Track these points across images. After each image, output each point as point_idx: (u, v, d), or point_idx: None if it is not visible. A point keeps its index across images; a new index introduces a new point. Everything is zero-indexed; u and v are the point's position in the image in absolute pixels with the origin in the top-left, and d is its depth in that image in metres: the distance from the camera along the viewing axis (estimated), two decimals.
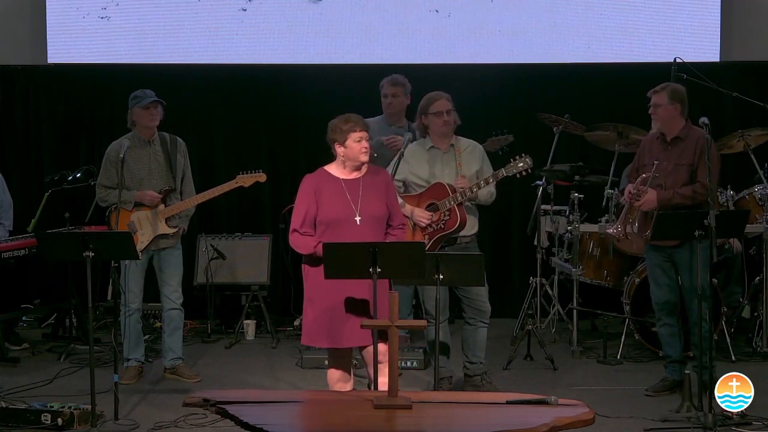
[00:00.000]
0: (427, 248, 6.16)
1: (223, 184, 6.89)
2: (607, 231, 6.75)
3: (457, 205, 6.23)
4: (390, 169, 6.27)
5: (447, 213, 6.23)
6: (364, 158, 5.44)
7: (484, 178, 6.28)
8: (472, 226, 6.38)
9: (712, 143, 6.19)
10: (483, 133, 7.61)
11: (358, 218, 5.37)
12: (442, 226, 6.23)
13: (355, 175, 5.47)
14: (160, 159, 6.88)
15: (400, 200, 6.20)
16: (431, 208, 6.27)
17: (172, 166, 6.89)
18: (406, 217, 6.17)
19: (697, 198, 6.21)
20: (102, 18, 8.91)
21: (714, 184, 6.22)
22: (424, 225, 6.23)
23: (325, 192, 5.41)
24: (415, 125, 6.60)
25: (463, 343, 6.54)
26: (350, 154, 5.42)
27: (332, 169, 5.52)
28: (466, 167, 6.36)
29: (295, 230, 5.45)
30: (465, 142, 6.49)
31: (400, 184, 6.36)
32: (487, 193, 6.35)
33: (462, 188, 6.21)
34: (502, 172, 6.26)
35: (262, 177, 6.88)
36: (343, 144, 5.42)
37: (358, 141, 5.40)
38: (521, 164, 6.21)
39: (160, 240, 6.83)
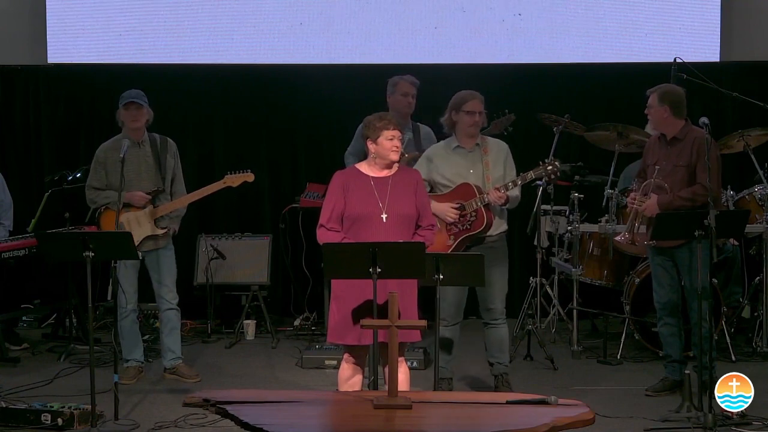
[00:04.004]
0: (452, 248, 6.18)
1: (211, 184, 6.92)
2: (615, 239, 6.75)
3: (483, 205, 6.20)
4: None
5: (473, 214, 6.21)
6: (395, 157, 5.49)
7: (511, 180, 6.22)
8: (498, 225, 6.32)
9: (713, 143, 6.19)
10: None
11: (384, 216, 5.41)
12: (468, 227, 6.21)
13: (385, 173, 5.52)
14: (149, 160, 6.88)
15: None
16: (458, 208, 6.24)
17: (161, 167, 6.89)
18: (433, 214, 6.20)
19: (698, 200, 6.19)
20: (102, 18, 8.91)
21: (716, 184, 6.21)
22: (451, 221, 6.22)
23: (353, 188, 5.47)
24: (443, 120, 6.52)
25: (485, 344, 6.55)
26: (381, 152, 5.47)
27: (363, 167, 5.58)
28: (493, 167, 6.31)
29: (322, 225, 5.50)
30: (492, 142, 6.44)
31: (426, 183, 6.35)
32: (514, 197, 6.29)
33: (495, 199, 6.16)
34: (530, 175, 6.20)
35: (249, 177, 6.90)
36: (375, 141, 5.48)
37: (390, 139, 5.46)
38: (550, 167, 6.16)
39: (149, 241, 6.82)
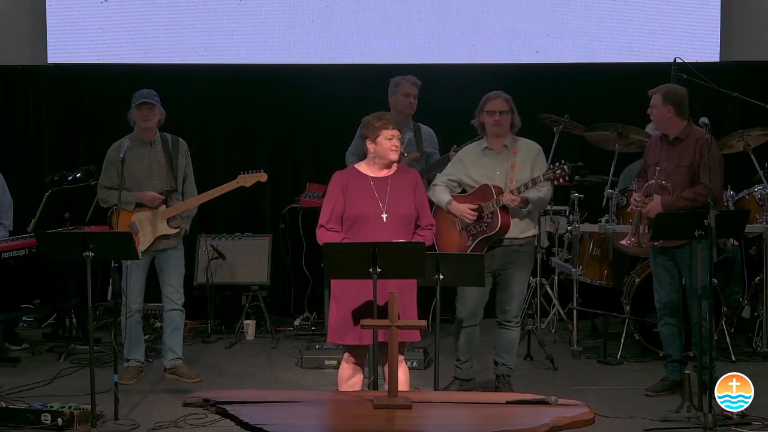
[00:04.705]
0: (471, 249, 6.17)
1: (224, 184, 6.90)
2: (622, 243, 6.73)
3: (499, 207, 6.16)
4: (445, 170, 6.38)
5: (490, 215, 6.19)
6: (394, 156, 5.50)
7: (523, 184, 6.16)
8: (523, 229, 6.28)
9: (713, 143, 6.18)
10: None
11: (384, 216, 5.42)
12: (485, 229, 6.19)
13: (384, 173, 5.52)
14: (161, 160, 6.88)
15: (448, 197, 6.23)
16: (476, 209, 6.22)
17: (173, 166, 6.89)
18: (453, 214, 6.19)
19: (701, 200, 6.17)
20: (102, 18, 8.91)
21: (718, 184, 6.20)
22: (469, 221, 6.20)
23: (353, 189, 5.48)
24: (473, 122, 6.50)
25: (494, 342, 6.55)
26: (380, 151, 5.48)
27: (362, 167, 5.58)
28: (519, 168, 6.26)
29: (321, 225, 5.51)
30: (523, 143, 6.38)
31: (456, 184, 6.34)
32: (536, 199, 6.24)
33: (508, 202, 6.10)
34: (540, 178, 6.16)
35: (263, 177, 6.88)
36: (374, 141, 5.49)
37: (389, 139, 5.46)
38: (558, 171, 6.12)
39: (162, 241, 6.82)
